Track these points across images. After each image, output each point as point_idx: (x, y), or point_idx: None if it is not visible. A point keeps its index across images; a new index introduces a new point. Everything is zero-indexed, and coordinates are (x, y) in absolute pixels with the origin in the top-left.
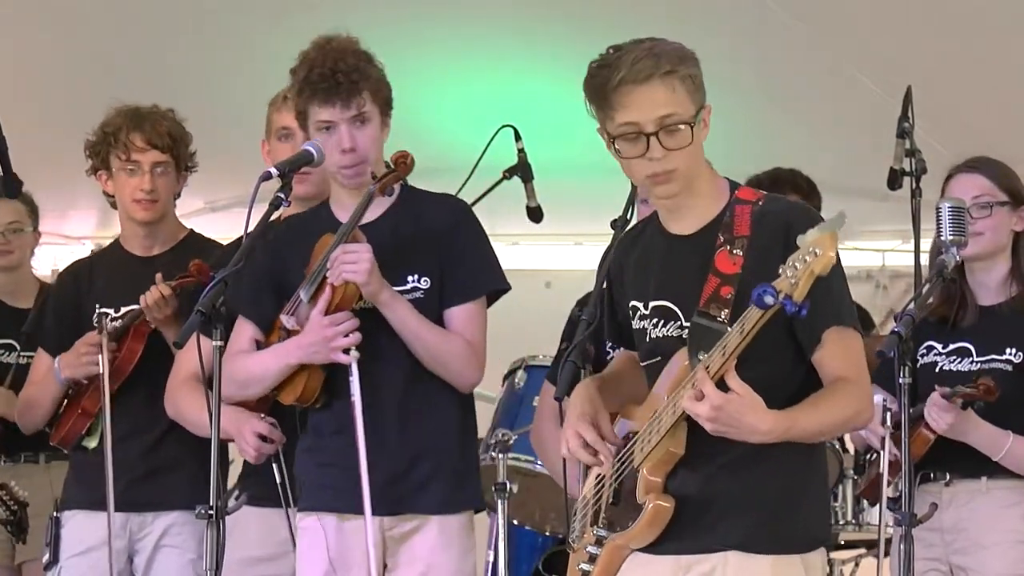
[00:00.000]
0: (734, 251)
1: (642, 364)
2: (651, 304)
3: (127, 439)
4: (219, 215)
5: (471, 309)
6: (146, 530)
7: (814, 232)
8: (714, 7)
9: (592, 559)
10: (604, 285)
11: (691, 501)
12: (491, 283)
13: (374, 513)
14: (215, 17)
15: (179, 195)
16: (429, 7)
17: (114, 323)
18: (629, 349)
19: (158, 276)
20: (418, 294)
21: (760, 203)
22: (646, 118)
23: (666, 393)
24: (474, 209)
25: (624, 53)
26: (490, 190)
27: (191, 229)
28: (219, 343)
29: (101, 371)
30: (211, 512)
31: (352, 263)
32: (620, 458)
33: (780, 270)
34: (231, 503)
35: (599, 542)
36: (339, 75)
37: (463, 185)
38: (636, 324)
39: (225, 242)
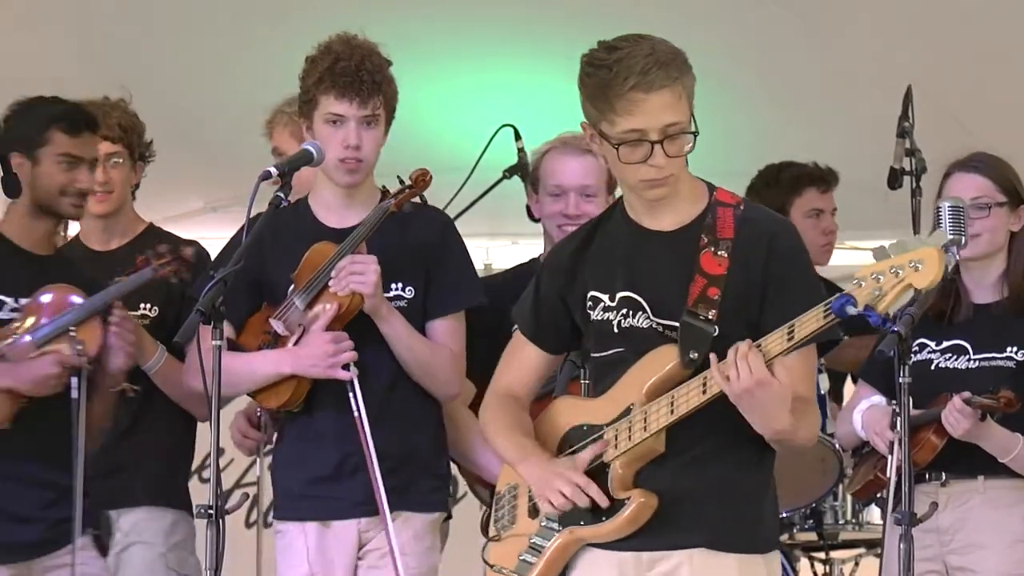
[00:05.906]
0: (719, 252)
1: (595, 355)
2: (618, 295)
3: None
4: (219, 215)
5: (453, 322)
6: (113, 528)
7: (915, 242)
8: (714, 6)
9: (536, 549)
10: (535, 280)
11: (660, 497)
12: (474, 297)
13: (352, 516)
14: (215, 17)
15: (137, 186)
16: (428, 6)
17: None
18: (542, 345)
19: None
20: (401, 303)
21: (741, 208)
22: (652, 126)
23: (645, 392)
24: (474, 208)
25: (626, 56)
26: (490, 189)
27: (150, 223)
28: (218, 343)
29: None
30: (211, 512)
31: (360, 275)
32: (575, 451)
33: (856, 279)
34: (232, 502)
35: (546, 533)
36: (363, 72)
37: (463, 184)
38: (598, 315)
39: (225, 242)
